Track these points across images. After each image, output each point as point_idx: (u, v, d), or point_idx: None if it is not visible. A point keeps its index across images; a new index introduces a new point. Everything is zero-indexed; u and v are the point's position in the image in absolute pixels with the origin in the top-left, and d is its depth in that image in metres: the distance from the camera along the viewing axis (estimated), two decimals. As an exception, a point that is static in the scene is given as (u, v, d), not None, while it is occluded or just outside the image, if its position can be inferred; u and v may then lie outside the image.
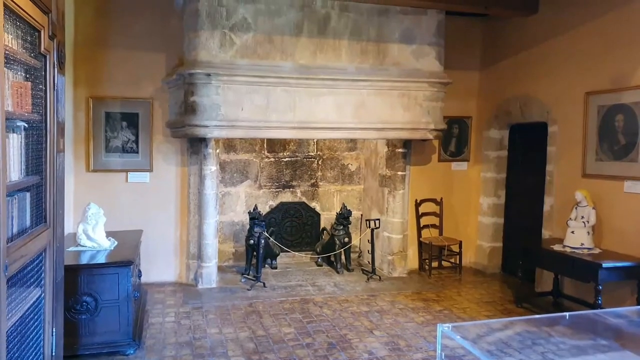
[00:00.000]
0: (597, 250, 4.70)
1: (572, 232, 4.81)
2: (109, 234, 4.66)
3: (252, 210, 6.16)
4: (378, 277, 6.33)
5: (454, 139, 6.97)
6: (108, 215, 5.35)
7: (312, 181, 7.25)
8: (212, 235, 5.76)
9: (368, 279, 6.28)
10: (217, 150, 6.12)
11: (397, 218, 6.53)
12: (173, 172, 5.87)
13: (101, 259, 4.00)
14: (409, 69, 5.76)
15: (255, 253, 6.04)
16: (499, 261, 6.88)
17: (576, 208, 4.93)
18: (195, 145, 5.77)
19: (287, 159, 7.06)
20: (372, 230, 6.40)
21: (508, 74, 6.37)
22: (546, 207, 5.72)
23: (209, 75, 5.09)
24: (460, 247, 6.62)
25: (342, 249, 6.60)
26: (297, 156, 7.11)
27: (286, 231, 7.10)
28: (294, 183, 7.14)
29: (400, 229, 6.55)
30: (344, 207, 6.69)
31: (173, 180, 5.87)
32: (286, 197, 7.10)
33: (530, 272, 5.77)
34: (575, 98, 5.26)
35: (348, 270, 6.70)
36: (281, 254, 6.72)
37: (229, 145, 6.69)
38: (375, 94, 5.66)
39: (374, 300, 5.54)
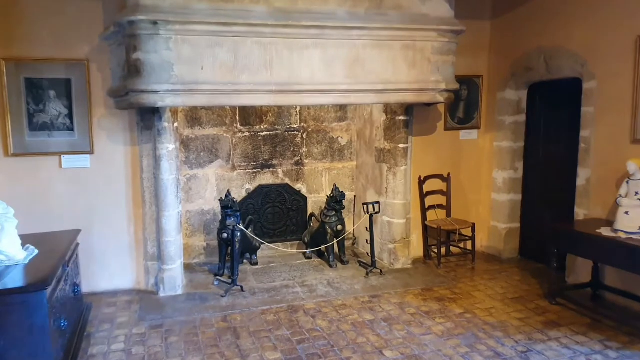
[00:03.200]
0: (658, 235, 3.71)
1: (627, 212, 3.81)
2: (32, 238, 3.51)
3: (223, 197, 5.03)
4: (379, 271, 5.31)
5: (462, 102, 5.89)
6: (38, 211, 4.20)
7: (296, 159, 6.13)
8: (173, 231, 4.62)
9: (367, 274, 5.26)
10: (176, 124, 4.93)
11: (398, 199, 5.47)
12: (121, 153, 4.67)
13: (3, 280, 2.84)
14: (413, 14, 4.60)
15: (230, 249, 4.94)
16: (517, 244, 5.91)
17: (627, 182, 3.92)
18: (147, 118, 4.57)
19: (265, 133, 5.90)
20: (371, 216, 5.33)
21: (528, 21, 5.26)
22: (580, 181, 4.71)
23: (155, 23, 3.87)
24: (472, 230, 5.62)
25: (335, 240, 5.53)
26: (276, 129, 5.96)
27: (267, 219, 6.00)
28: (275, 162, 6.01)
29: (403, 212, 5.51)
30: (335, 188, 5.60)
31: (122, 164, 4.68)
32: (266, 178, 5.98)
33: (559, 259, 4.80)
34: (622, 44, 4.19)
35: (343, 263, 5.66)
36: (262, 246, 5.63)
37: (193, 117, 5.50)
38: (372, 47, 4.50)
39: (377, 302, 4.52)
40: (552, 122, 5.35)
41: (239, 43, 4.14)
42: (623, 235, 3.74)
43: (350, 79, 4.51)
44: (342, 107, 6.21)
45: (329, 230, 5.57)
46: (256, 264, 5.59)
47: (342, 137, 6.31)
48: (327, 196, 5.74)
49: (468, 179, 6.02)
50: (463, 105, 5.91)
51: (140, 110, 4.51)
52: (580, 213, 4.71)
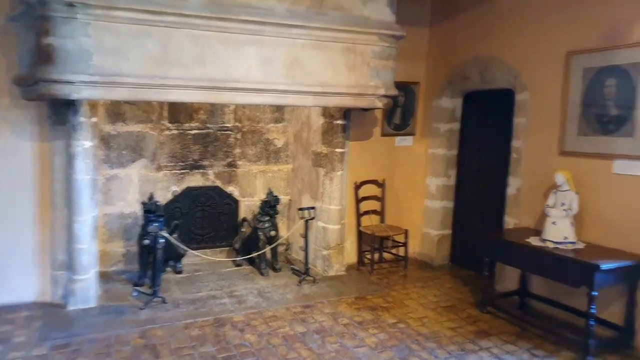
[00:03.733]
0: (581, 245, 3.84)
1: (554, 222, 3.90)
2: None
3: (146, 201, 4.62)
4: (312, 279, 5.14)
5: (398, 108, 5.88)
6: None
7: (229, 160, 5.83)
8: (87, 237, 4.17)
9: (300, 282, 5.07)
10: (95, 119, 4.47)
11: (334, 205, 5.34)
12: (27, 150, 4.15)
13: None
14: (354, 16, 4.48)
15: (151, 256, 4.54)
16: (448, 252, 5.98)
17: (555, 193, 4.04)
18: (61, 111, 4.09)
19: (195, 131, 5.54)
20: (307, 221, 5.15)
21: (465, 31, 5.33)
22: (510, 190, 4.82)
23: (72, 5, 3.44)
24: (405, 237, 5.61)
25: (268, 246, 5.30)
26: (208, 128, 5.62)
27: (195, 224, 5.64)
28: (205, 163, 5.67)
29: (338, 217, 5.38)
30: (269, 192, 5.37)
31: (28, 162, 4.16)
32: (195, 180, 5.62)
33: (490, 267, 4.88)
34: (553, 59, 4.32)
35: (275, 270, 5.43)
36: (189, 252, 5.26)
37: (115, 112, 5.03)
38: (312, 47, 4.33)
39: (310, 313, 4.34)
40: (486, 131, 5.46)
41: (169, 34, 3.81)
42: (550, 245, 3.83)
43: (288, 79, 4.30)
44: (279, 108, 5.99)
45: (262, 237, 5.33)
46: (181, 272, 5.22)
47: (278, 139, 6.08)
48: (261, 200, 5.50)
49: (402, 185, 6.02)
50: (400, 112, 5.90)
51: (52, 103, 4.02)
52: (510, 222, 4.82)
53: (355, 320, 4.21)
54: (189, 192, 5.57)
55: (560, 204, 3.96)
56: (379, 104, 4.73)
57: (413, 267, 5.74)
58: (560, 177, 3.97)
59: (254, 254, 5.38)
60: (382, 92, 4.67)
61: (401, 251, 5.73)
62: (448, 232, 5.96)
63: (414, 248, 6.06)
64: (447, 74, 5.62)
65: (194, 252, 5.16)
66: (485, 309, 4.40)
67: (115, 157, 5.10)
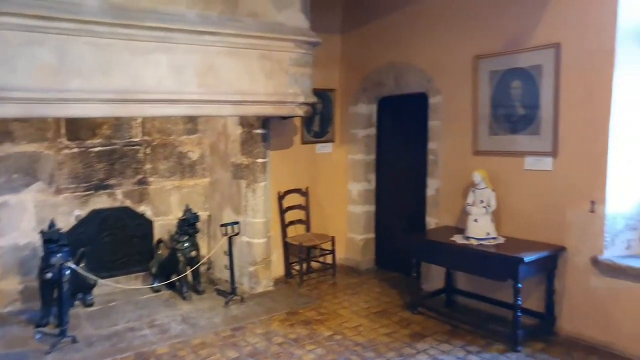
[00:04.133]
0: (502, 240, 4.03)
1: (475, 220, 4.05)
2: None
3: (46, 229, 4.09)
4: (239, 298, 4.89)
5: (317, 116, 5.83)
6: None
7: (139, 177, 5.39)
8: (-25, 278, 3.58)
9: (227, 303, 4.79)
10: (-23, 140, 3.88)
11: (259, 218, 5.14)
12: None
13: None
14: (269, 22, 4.34)
15: (56, 292, 4.02)
16: (373, 255, 6.04)
17: (473, 191, 4.20)
18: None
19: (99, 148, 5.05)
20: (230, 238, 4.89)
21: (378, 38, 5.43)
22: (430, 191, 4.96)
23: (-60, 8, 2.93)
24: (332, 244, 5.56)
25: (188, 268, 4.96)
26: (114, 144, 5.16)
27: (105, 250, 5.14)
28: (112, 182, 5.19)
29: (264, 230, 5.19)
30: (187, 209, 5.03)
31: None
32: (101, 202, 5.11)
33: (418, 268, 4.99)
34: (462, 63, 4.52)
35: (198, 293, 5.10)
36: (100, 282, 4.76)
37: (2, 131, 4.42)
38: (227, 55, 4.12)
39: (241, 336, 4.10)
40: (403, 134, 5.59)
41: (66, 42, 3.40)
42: (474, 242, 3.96)
43: (203, 89, 4.05)
44: (192, 119, 5.66)
45: (182, 258, 4.97)
46: (92, 305, 4.70)
47: (192, 152, 5.74)
48: (178, 219, 5.14)
49: (325, 192, 5.98)
50: (318, 119, 5.85)
51: None
52: (431, 222, 4.95)
53: (290, 337, 4.04)
54: (95, 215, 5.05)
55: (479, 201, 4.13)
56: (300, 111, 4.63)
57: (341, 274, 5.71)
58: (477, 176, 4.14)
59: (174, 278, 5.01)
60: (301, 99, 4.57)
61: (328, 259, 5.67)
62: (371, 235, 6.01)
63: (340, 254, 6.03)
64: (361, 80, 5.68)
65: (104, 281, 4.68)
66: (416, 310, 4.46)
67: (4, 182, 4.47)
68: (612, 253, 3.54)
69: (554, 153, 3.83)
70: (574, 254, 3.74)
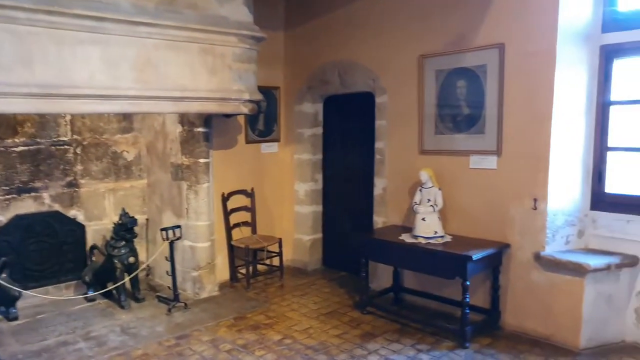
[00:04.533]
0: (449, 238, 4.08)
1: (423, 219, 4.08)
2: None
3: (-39, 239, 3.67)
4: (183, 304, 4.65)
5: (261, 114, 5.63)
6: None
7: (69, 179, 5.02)
8: None
9: (170, 310, 4.55)
10: None
11: (202, 221, 4.91)
12: None
13: None
14: (210, 15, 4.13)
15: (-25, 309, 3.62)
16: (320, 255, 5.97)
17: (420, 190, 4.23)
18: None
19: (21, 147, 4.65)
20: (172, 243, 4.63)
21: (322, 35, 5.35)
22: (377, 190, 4.95)
23: None
24: (280, 246, 5.42)
25: (126, 275, 4.66)
26: (39, 143, 4.77)
27: (31, 258, 4.73)
28: (38, 184, 4.80)
29: (207, 234, 4.97)
30: (124, 214, 4.72)
31: None
32: (26, 206, 4.71)
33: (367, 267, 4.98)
34: (407, 62, 4.53)
35: (137, 301, 4.81)
36: (25, 293, 4.35)
37: None
38: (166, 48, 3.87)
39: (186, 344, 3.88)
40: (350, 134, 5.55)
41: (-22, 28, 3.02)
42: (423, 241, 3.98)
43: (140, 84, 3.78)
44: (127, 117, 5.33)
45: (119, 265, 4.67)
46: (16, 318, 4.31)
47: (128, 152, 5.42)
48: (114, 223, 4.81)
49: (272, 192, 5.84)
50: (263, 118, 5.69)
51: None
52: (378, 221, 4.94)
53: (238, 343, 3.88)
54: (19, 221, 4.64)
55: (426, 200, 4.15)
56: (245, 109, 4.46)
57: (288, 276, 5.59)
58: (424, 175, 4.16)
59: (112, 287, 4.69)
60: (246, 96, 4.40)
61: (276, 261, 5.53)
62: (319, 236, 5.94)
63: (287, 255, 5.91)
64: (306, 79, 5.58)
65: (30, 292, 4.28)
66: (365, 310, 4.43)
67: None
68: (552, 248, 3.67)
69: (498, 152, 3.92)
70: (517, 250, 3.85)
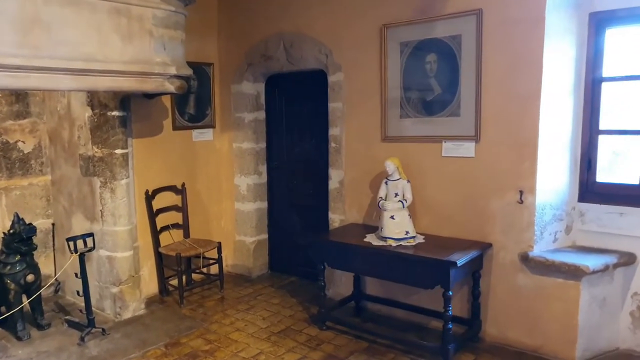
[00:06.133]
0: (421, 239, 3.49)
1: (392, 217, 3.46)
2: None
3: None
4: (100, 330, 3.76)
5: (192, 95, 4.80)
6: None
7: None
8: None
9: (83, 339, 3.65)
10: None
11: (121, 225, 4.02)
12: None
13: None
14: (123, -36, 3.22)
15: None
16: (266, 259, 5.23)
17: (386, 183, 3.61)
18: None
19: None
20: (82, 255, 3.70)
21: (264, 3, 4.56)
22: (333, 184, 4.29)
23: None
24: (219, 251, 4.62)
25: (24, 298, 3.69)
26: None
27: None
28: None
29: (129, 240, 4.09)
30: (17, 220, 3.73)
31: None
32: None
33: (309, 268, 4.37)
34: (367, 33, 3.88)
35: (41, 328, 3.86)
36: None
37: None
38: (62, 4, 2.93)
39: (102, 388, 3.03)
40: (298, 119, 4.82)
41: None
42: (393, 243, 3.37)
43: (27, 50, 2.84)
44: (21, 98, 4.29)
45: (12, 286, 3.70)
46: None
47: (24, 142, 4.40)
48: (4, 234, 3.80)
49: (207, 188, 5.00)
50: (193, 99, 4.83)
51: None
52: (335, 219, 4.29)
53: (171, 382, 3.09)
54: None
55: (393, 194, 3.54)
56: (171, 87, 3.60)
57: (230, 285, 4.81)
58: (390, 166, 3.54)
59: (5, 313, 3.71)
60: (173, 71, 3.54)
61: (214, 269, 4.73)
62: (264, 236, 5.19)
63: (228, 261, 5.13)
64: (246, 54, 4.78)
65: None
66: (324, 326, 3.77)
67: None
68: (540, 248, 3.19)
69: (476, 137, 3.37)
70: (500, 251, 3.34)
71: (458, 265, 2.92)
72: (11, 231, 3.73)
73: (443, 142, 3.55)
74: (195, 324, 3.94)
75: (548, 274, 3.11)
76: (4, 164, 4.28)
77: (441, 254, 3.07)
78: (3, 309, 3.81)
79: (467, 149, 3.41)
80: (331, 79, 4.19)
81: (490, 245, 3.34)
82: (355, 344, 3.52)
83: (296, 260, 4.91)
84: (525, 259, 3.20)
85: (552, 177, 3.22)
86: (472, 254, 3.12)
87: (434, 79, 3.55)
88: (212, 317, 4.08)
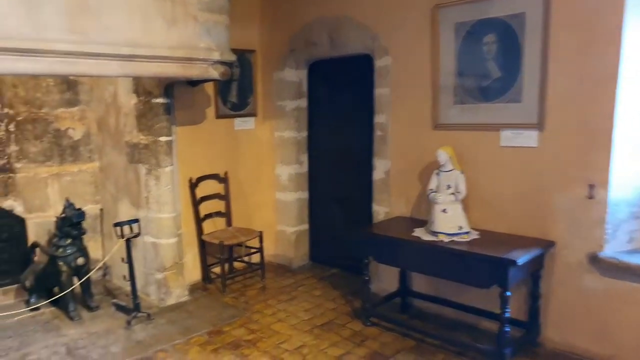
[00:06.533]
0: (475, 234, 3.27)
1: (444, 210, 3.26)
2: None
3: None
4: (145, 315, 3.78)
5: (234, 83, 4.73)
6: None
7: (1, 162, 4.18)
8: None
9: (129, 322, 3.68)
10: None
11: (166, 212, 4.02)
12: None
13: None
14: (168, -54, 3.15)
15: None
16: (307, 249, 5.13)
17: (438, 174, 3.41)
18: None
19: None
20: (128, 240, 3.72)
21: (309, -15, 4.41)
22: (378, 174, 4.12)
23: None
24: (260, 240, 4.56)
25: (75, 280, 3.78)
26: (-45, 118, 3.81)
27: (-48, 261, 3.78)
28: (-41, 170, 3.86)
29: (173, 228, 4.09)
30: (68, 205, 3.80)
31: None
32: (-59, 198, 3.73)
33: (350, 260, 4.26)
34: (418, 15, 3.66)
35: (90, 309, 3.95)
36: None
37: None
38: (108, -13, 2.89)
39: (147, 374, 3.03)
40: (341, 106, 4.66)
41: None
42: (445, 238, 3.17)
43: (75, 36, 2.82)
44: (71, 86, 4.36)
45: (65, 268, 3.78)
46: None
47: (74, 129, 4.48)
48: (57, 218, 3.88)
49: (248, 177, 4.94)
50: (236, 87, 4.76)
51: None
52: (380, 211, 4.12)
53: (213, 371, 3.05)
54: None
55: (445, 186, 3.34)
56: (214, 72, 3.52)
57: (271, 275, 4.75)
58: (442, 155, 3.34)
59: (58, 294, 3.81)
60: (216, 56, 3.46)
61: (255, 258, 4.68)
62: (305, 227, 5.09)
63: (269, 250, 5.05)
64: (288, 40, 4.65)
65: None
66: (369, 321, 3.63)
67: None
68: (613, 248, 2.91)
69: (539, 125, 3.10)
70: (564, 250, 3.07)
71: (518, 264, 2.69)
72: (62, 215, 3.80)
73: (501, 131, 3.30)
74: (237, 313, 3.90)
75: (622, 277, 2.82)
76: (56, 151, 4.38)
77: (499, 251, 2.85)
78: (56, 289, 3.92)
79: (529, 137, 3.15)
80: (378, 63, 3.99)
81: (552, 243, 3.08)
82: (402, 342, 3.36)
83: (338, 252, 4.79)
84: (594, 259, 2.92)
85: (630, 170, 2.90)
86: (533, 252, 2.88)
87: (492, 62, 3.29)
88: (253, 306, 4.03)
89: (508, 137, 3.26)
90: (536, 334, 3.18)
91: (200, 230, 4.50)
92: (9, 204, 4.19)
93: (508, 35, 3.18)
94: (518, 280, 3.03)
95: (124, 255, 3.77)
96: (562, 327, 3.12)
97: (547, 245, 3.06)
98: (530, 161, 3.17)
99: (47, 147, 4.34)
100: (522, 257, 2.74)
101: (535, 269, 3.07)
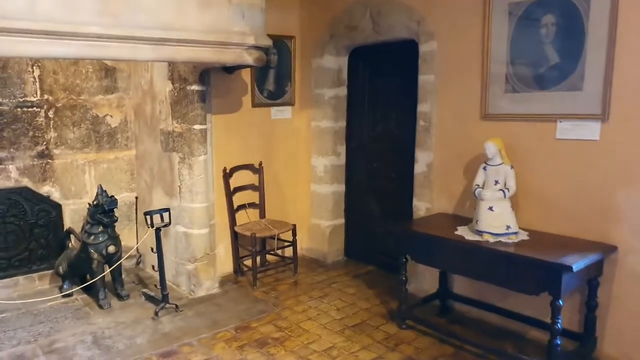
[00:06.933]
0: (525, 235, 2.99)
1: (491, 208, 2.98)
2: None
3: None
4: (174, 306, 3.71)
5: (271, 71, 4.57)
6: None
7: (40, 148, 4.19)
8: None
9: (157, 313, 3.61)
10: None
11: (198, 202, 3.93)
12: None
13: None
14: None
15: None
16: (342, 244, 4.94)
17: (484, 168, 3.13)
18: None
19: (-30, 108, 3.68)
20: (158, 230, 3.65)
21: (351, -33, 4.19)
22: (419, 167, 3.87)
23: None
24: (293, 234, 4.41)
25: (105, 267, 3.75)
26: (0, 104, 3.85)
27: (-8, 245, 3.85)
28: (2, 154, 3.97)
29: (206, 218, 4.00)
30: (101, 192, 3.76)
31: None
32: (-18, 181, 3.80)
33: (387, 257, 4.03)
34: (467, -4, 3.37)
35: (121, 298, 3.92)
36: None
37: None
38: (139, -35, 2.79)
39: (172, 367, 2.94)
40: (382, 94, 4.43)
41: None
42: (490, 239, 2.90)
43: (107, 18, 2.73)
44: (109, 74, 4.35)
45: (96, 255, 3.75)
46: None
47: (111, 116, 4.47)
48: (89, 204, 3.86)
49: (284, 168, 4.80)
50: (273, 75, 4.60)
51: None
52: (420, 207, 3.87)
53: (240, 368, 2.92)
54: (-25, 199, 3.73)
55: (493, 182, 3.06)
56: (249, 58, 3.37)
57: (304, 269, 4.60)
58: (491, 148, 3.06)
59: (89, 282, 3.80)
60: (251, 41, 3.31)
61: (288, 251, 4.54)
62: (341, 221, 4.90)
63: (302, 244, 4.91)
64: (328, 24, 4.45)
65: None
66: (404, 324, 3.41)
67: None
68: (685, 255, 2.57)
69: (603, 115, 2.78)
70: (627, 255, 2.75)
71: (574, 270, 2.40)
72: (95, 202, 3.78)
73: (558, 122, 2.99)
74: (267, 308, 3.77)
75: (693, 288, 2.50)
76: (94, 137, 4.39)
77: (551, 255, 2.56)
78: (88, 277, 3.91)
79: (590, 129, 2.83)
80: (422, 48, 3.74)
81: (614, 247, 2.76)
82: (439, 348, 3.13)
83: (375, 248, 4.58)
84: (661, 267, 2.60)
85: None
86: (590, 257, 2.58)
87: (550, 45, 2.98)
88: (284, 302, 3.89)
89: (566, 129, 2.95)
90: (591, 347, 2.87)
91: (233, 222, 4.40)
92: (46, 189, 4.23)
93: (570, 15, 2.86)
94: (572, 289, 2.73)
95: (154, 244, 3.71)
96: (622, 342, 2.80)
97: (608, 249, 2.74)
98: (590, 155, 2.85)
99: (84, 134, 4.35)
100: (578, 263, 2.44)
101: (592, 276, 2.76)
